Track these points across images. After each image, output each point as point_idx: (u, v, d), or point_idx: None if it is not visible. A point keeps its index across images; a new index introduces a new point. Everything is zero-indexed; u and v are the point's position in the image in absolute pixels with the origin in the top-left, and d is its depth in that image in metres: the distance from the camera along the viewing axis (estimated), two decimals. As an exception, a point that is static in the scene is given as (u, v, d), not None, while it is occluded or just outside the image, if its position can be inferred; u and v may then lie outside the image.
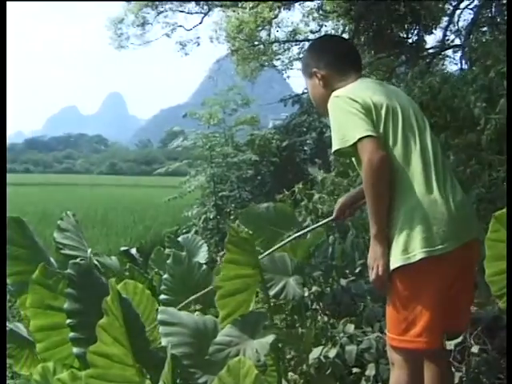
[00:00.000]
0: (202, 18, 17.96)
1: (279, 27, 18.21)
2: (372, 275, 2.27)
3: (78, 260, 2.79)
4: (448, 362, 2.71)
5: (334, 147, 2.33)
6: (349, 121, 2.28)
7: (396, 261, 2.20)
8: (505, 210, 1.99)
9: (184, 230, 11.61)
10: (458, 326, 2.52)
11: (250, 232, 2.71)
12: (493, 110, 3.79)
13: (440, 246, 2.17)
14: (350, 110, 2.28)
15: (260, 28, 17.36)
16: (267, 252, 3.10)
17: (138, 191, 32.69)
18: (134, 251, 5.73)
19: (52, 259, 3.50)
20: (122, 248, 5.95)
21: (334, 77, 2.56)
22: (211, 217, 12.07)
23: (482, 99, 3.94)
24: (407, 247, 2.18)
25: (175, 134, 13.06)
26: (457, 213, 2.24)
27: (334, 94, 2.41)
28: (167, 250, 5.35)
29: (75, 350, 2.52)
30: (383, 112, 2.30)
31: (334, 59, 2.60)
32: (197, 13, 17.89)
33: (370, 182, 2.21)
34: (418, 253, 2.16)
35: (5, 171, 3.07)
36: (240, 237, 2.66)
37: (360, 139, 2.21)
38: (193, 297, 3.35)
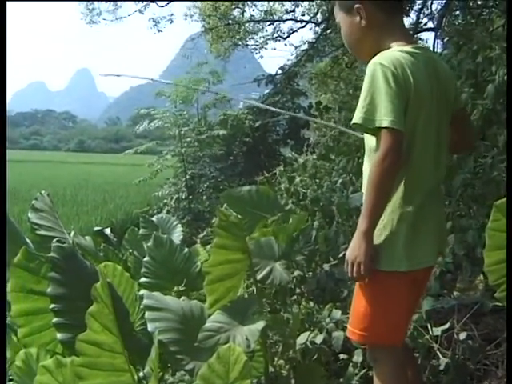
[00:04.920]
0: (176, -6, 17.66)
1: (254, 6, 17.99)
2: (353, 272, 2.08)
3: (54, 241, 2.69)
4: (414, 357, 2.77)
5: (357, 120, 2.05)
6: (384, 101, 1.98)
7: (378, 264, 2.10)
8: (505, 200, 1.96)
9: (156, 210, 11.55)
10: None
11: (239, 216, 2.66)
12: (479, 95, 3.77)
13: (424, 260, 2.16)
14: (388, 91, 1.98)
15: (234, 6, 17.14)
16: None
17: (107, 169, 32.39)
18: (107, 231, 5.66)
19: (28, 240, 3.41)
20: (96, 228, 5.88)
21: (380, 18, 2.21)
22: (183, 197, 12.05)
23: (468, 85, 3.92)
24: (392, 254, 2.10)
25: (142, 116, 12.88)
26: (439, 227, 2.26)
27: (380, 59, 2.06)
28: (142, 231, 5.29)
29: (59, 335, 2.46)
30: (418, 101, 2.06)
31: None
32: (170, -11, 17.58)
33: (377, 177, 2.00)
34: (402, 265, 2.09)
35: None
36: (229, 221, 2.60)
37: (386, 127, 1.97)
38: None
